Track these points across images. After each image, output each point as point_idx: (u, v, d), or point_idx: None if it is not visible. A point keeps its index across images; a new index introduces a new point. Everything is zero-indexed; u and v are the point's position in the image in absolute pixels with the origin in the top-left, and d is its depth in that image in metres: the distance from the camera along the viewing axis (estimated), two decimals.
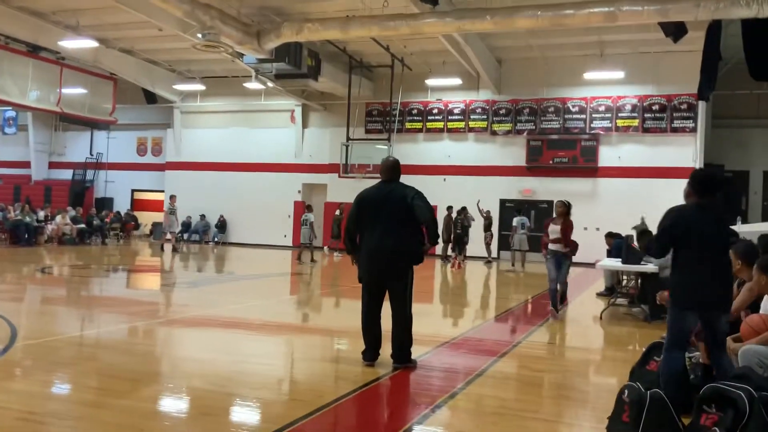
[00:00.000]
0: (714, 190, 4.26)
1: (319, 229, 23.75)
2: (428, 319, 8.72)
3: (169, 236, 19.83)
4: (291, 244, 23.74)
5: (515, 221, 17.87)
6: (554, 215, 9.15)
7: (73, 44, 18.96)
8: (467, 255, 19.34)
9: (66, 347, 6.27)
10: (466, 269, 17.75)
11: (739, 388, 3.43)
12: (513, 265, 17.48)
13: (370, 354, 5.62)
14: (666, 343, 4.28)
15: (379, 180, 5.85)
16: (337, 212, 19.50)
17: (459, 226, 18.76)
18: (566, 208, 8.90)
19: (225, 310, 8.98)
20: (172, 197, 19.72)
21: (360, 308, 5.71)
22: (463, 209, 18.96)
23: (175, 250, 19.18)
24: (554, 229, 8.84)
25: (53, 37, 18.61)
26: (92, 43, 19.18)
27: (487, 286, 14.82)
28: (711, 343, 4.23)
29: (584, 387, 5.64)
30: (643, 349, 5.39)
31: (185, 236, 24.33)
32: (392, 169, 5.74)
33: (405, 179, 5.86)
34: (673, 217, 4.23)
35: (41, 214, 21.53)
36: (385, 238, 5.47)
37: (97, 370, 5.41)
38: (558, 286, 8.98)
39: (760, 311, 4.47)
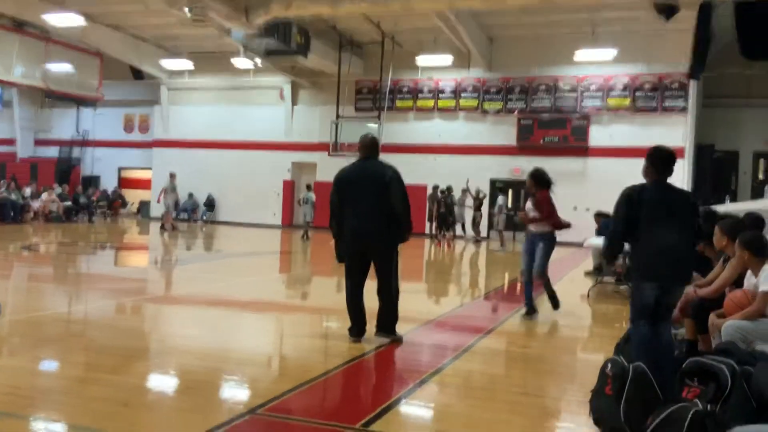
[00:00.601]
0: (672, 167, 4.31)
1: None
2: (416, 297, 8.75)
3: (172, 214, 19.73)
4: (280, 223, 23.71)
5: (500, 200, 18.03)
6: None
7: (58, 18, 18.61)
8: (456, 234, 19.41)
9: (52, 323, 6.24)
10: (454, 248, 17.81)
11: (722, 362, 3.46)
12: (502, 245, 17.57)
13: (356, 330, 5.63)
14: (631, 315, 4.34)
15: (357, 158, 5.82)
16: None
17: (442, 205, 18.77)
18: (533, 178, 7.24)
19: (213, 288, 8.97)
20: (173, 175, 19.50)
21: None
22: (449, 188, 18.98)
23: (163, 228, 19.02)
24: (530, 207, 7.33)
25: (38, 12, 18.26)
26: (78, 18, 18.82)
27: (476, 265, 14.88)
28: (658, 312, 4.22)
29: (571, 363, 5.69)
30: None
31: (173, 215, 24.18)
32: (370, 146, 5.72)
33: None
34: (627, 197, 4.22)
35: (27, 191, 21.33)
36: (366, 217, 5.46)
37: (84, 346, 5.40)
38: (535, 277, 7.29)
39: (744, 287, 4.50)
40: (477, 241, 19.43)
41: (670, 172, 4.29)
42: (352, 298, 5.62)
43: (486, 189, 20.48)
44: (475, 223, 19.26)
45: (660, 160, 4.28)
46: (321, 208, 18.16)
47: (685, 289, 5.04)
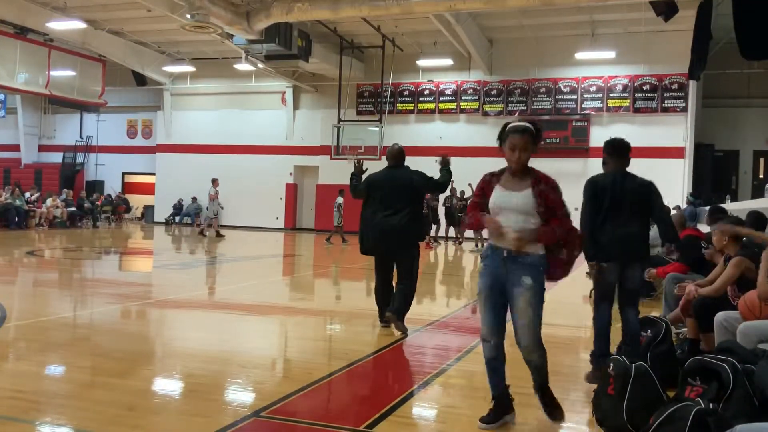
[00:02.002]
0: (627, 155, 4.66)
1: (311, 211, 23.81)
2: (418, 299, 8.75)
3: (210, 222, 19.78)
4: (283, 227, 23.75)
5: None
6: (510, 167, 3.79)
7: (60, 26, 18.71)
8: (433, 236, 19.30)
9: (57, 328, 6.27)
10: (452, 251, 17.80)
11: (724, 361, 3.47)
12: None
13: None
14: (594, 298, 4.61)
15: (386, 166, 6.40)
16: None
17: (425, 206, 18.63)
18: (531, 134, 3.80)
19: (218, 291, 8.99)
20: (215, 180, 19.38)
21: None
22: (452, 190, 18.92)
23: (219, 234, 19.18)
24: (508, 201, 3.61)
25: (41, 19, 18.35)
26: (80, 25, 18.94)
27: (474, 268, 14.87)
28: (620, 295, 4.54)
29: (574, 363, 5.69)
30: None
31: (176, 219, 24.26)
32: (397, 155, 6.38)
33: None
34: (593, 185, 4.61)
35: (27, 195, 21.36)
36: (393, 219, 6.01)
37: (88, 350, 5.42)
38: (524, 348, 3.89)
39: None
40: (460, 242, 19.39)
41: (625, 160, 4.65)
42: (382, 291, 6.27)
43: None
44: (461, 224, 19.17)
45: (613, 149, 4.65)
46: (348, 213, 18.16)
47: (688, 288, 5.07)
